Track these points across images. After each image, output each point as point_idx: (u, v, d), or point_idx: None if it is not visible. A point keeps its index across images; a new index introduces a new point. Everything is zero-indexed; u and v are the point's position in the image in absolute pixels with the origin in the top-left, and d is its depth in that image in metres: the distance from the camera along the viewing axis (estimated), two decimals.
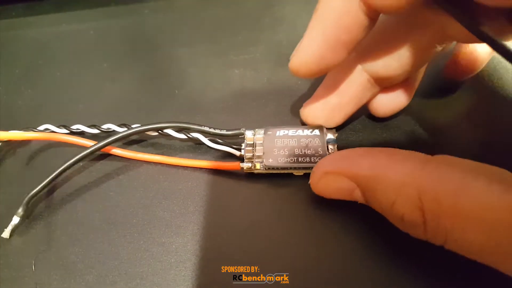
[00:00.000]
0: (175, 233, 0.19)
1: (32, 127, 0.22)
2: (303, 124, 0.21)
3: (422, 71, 0.21)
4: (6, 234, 0.19)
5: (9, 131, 0.22)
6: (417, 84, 0.21)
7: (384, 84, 0.20)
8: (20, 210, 0.19)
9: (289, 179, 0.20)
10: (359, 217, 0.18)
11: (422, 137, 0.21)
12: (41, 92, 0.27)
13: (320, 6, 0.16)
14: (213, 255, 0.18)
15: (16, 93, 0.27)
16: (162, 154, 0.22)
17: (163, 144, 0.23)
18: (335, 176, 0.16)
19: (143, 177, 0.21)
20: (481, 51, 0.21)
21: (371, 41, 0.18)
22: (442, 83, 0.23)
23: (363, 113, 0.22)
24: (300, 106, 0.21)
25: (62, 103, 0.26)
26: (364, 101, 0.20)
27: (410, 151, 0.15)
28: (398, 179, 0.14)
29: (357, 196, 0.16)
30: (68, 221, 0.20)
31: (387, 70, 0.18)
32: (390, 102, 0.21)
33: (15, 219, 0.19)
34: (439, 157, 0.14)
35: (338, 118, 0.20)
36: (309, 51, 0.17)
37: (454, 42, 0.20)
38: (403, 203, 0.14)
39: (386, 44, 0.18)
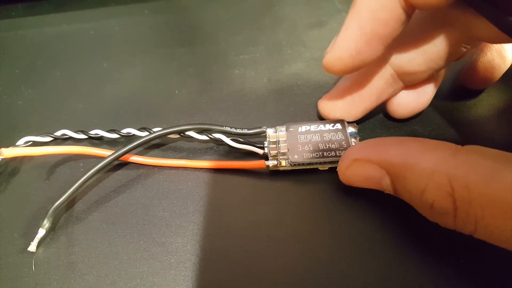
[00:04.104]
0: (175, 233, 0.19)
1: (49, 133, 0.22)
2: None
3: (442, 74, 0.21)
4: (32, 247, 0.18)
5: (28, 147, 0.22)
6: (437, 86, 0.21)
7: (407, 81, 0.20)
8: (45, 222, 0.19)
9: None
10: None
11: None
12: (41, 92, 0.27)
13: (357, 1, 0.16)
14: (213, 255, 0.18)
15: (16, 93, 0.27)
16: (183, 158, 0.22)
17: (174, 148, 0.23)
18: (364, 164, 0.16)
19: (143, 177, 0.21)
20: (500, 61, 0.21)
21: (399, 35, 0.18)
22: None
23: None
24: (300, 106, 0.21)
25: (62, 103, 0.26)
26: (385, 97, 0.20)
27: (440, 141, 0.15)
28: (429, 167, 0.14)
29: (385, 184, 0.16)
30: (68, 221, 0.20)
31: (412, 65, 0.19)
32: (410, 102, 0.21)
33: (41, 232, 0.19)
34: (470, 147, 0.14)
35: (356, 112, 0.20)
36: (345, 46, 0.17)
37: (469, 52, 0.20)
38: (434, 190, 0.14)
39: (413, 39, 0.18)
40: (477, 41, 0.18)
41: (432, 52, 0.18)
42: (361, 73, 0.20)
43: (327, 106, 0.21)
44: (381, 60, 0.19)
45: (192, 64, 0.27)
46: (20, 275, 0.18)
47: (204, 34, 0.29)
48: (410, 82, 0.20)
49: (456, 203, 0.13)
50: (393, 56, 0.19)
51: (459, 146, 0.14)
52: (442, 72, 0.21)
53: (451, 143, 0.14)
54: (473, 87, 0.23)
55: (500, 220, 0.12)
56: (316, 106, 0.23)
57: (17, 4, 0.33)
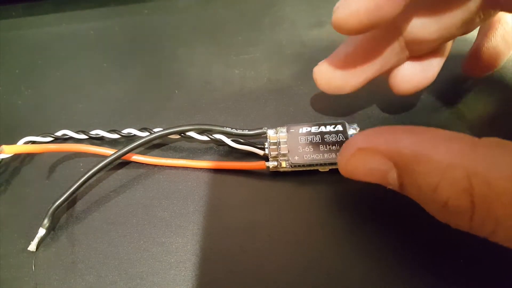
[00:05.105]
0: (175, 233, 0.19)
1: (50, 133, 0.22)
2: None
3: (448, 48, 0.19)
4: (32, 247, 0.19)
5: (29, 145, 0.22)
6: (443, 60, 0.20)
7: (414, 50, 0.18)
8: (46, 222, 0.19)
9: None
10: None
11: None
12: (41, 92, 0.27)
13: None
14: (213, 255, 0.18)
15: (16, 93, 0.27)
16: (183, 158, 0.22)
17: (176, 147, 0.23)
18: (370, 154, 0.14)
19: (143, 177, 0.21)
20: (504, 46, 0.20)
21: None
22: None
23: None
24: (300, 106, 0.21)
25: (62, 103, 0.26)
26: (388, 66, 0.19)
27: (455, 132, 0.13)
28: (444, 160, 0.12)
29: (391, 179, 0.14)
30: (68, 221, 0.20)
31: (424, 32, 0.17)
32: (414, 76, 0.19)
33: (41, 231, 0.19)
34: (488, 139, 0.12)
35: (356, 81, 0.19)
36: None
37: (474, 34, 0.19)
38: (449, 186, 0.12)
39: (430, 3, 0.16)
40: (496, 10, 0.17)
41: (447, 18, 0.16)
42: (365, 37, 0.18)
43: (324, 74, 0.19)
44: (390, 23, 0.16)
45: (192, 64, 0.27)
46: (20, 275, 0.18)
47: (204, 34, 0.29)
48: (417, 52, 0.18)
49: (474, 201, 0.12)
50: (404, 21, 0.17)
51: (476, 138, 0.13)
52: (449, 46, 0.19)
53: (468, 135, 0.13)
54: (474, 74, 0.22)
55: None
56: (316, 106, 0.23)
57: (17, 4, 0.33)
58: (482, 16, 0.17)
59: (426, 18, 0.17)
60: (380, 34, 0.18)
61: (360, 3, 0.14)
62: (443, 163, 0.12)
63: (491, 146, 0.12)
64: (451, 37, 0.18)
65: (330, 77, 0.19)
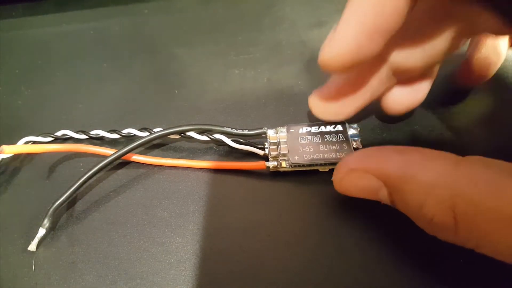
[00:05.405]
0: (175, 233, 0.19)
1: (50, 133, 0.22)
2: (313, 119, 0.21)
3: (436, 69, 0.20)
4: (32, 247, 0.19)
5: (29, 145, 0.22)
6: (432, 81, 0.20)
7: (402, 77, 0.19)
8: (46, 222, 0.19)
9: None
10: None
11: (429, 142, 0.21)
12: (41, 92, 0.27)
13: None
14: (213, 255, 0.18)
15: (16, 93, 0.27)
16: (183, 158, 0.22)
17: (176, 147, 0.23)
18: (361, 174, 0.15)
19: (143, 177, 0.21)
20: (495, 57, 0.21)
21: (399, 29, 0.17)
22: (451, 88, 0.23)
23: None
24: (300, 106, 0.21)
25: (62, 103, 0.26)
26: (377, 94, 0.20)
27: (440, 151, 0.14)
28: (429, 180, 0.13)
29: (383, 196, 0.15)
30: (68, 221, 0.20)
31: (409, 61, 0.18)
32: (404, 99, 0.20)
33: (41, 231, 0.19)
34: (472, 158, 0.13)
35: (349, 111, 0.20)
36: (344, 41, 0.15)
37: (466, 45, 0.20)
38: (434, 205, 0.13)
39: (411, 33, 0.17)
40: (480, 34, 0.18)
41: (431, 46, 0.17)
42: (354, 70, 0.18)
43: (318, 106, 0.20)
44: (376, 57, 0.17)
45: (192, 64, 0.27)
46: (20, 275, 0.18)
47: (204, 34, 0.29)
48: (405, 78, 0.19)
49: (457, 218, 0.12)
50: (388, 53, 0.18)
51: (460, 157, 0.13)
52: (437, 68, 0.20)
53: (452, 154, 0.14)
54: (467, 84, 0.23)
55: (507, 235, 0.12)
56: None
57: (17, 4, 0.33)
58: (465, 40, 0.17)
59: (409, 49, 0.17)
60: (367, 66, 0.19)
61: (343, 45, 0.15)
62: (428, 183, 0.13)
63: (473, 165, 0.13)
64: (437, 62, 0.19)
65: (324, 108, 0.20)
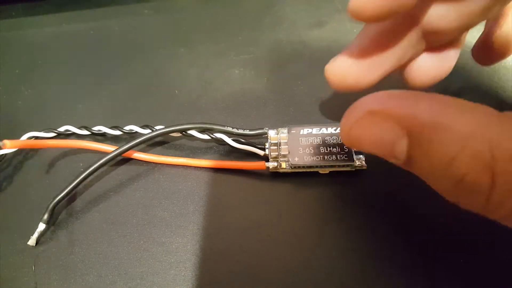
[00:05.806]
0: (175, 233, 0.19)
1: (52, 128, 0.23)
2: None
3: (464, 39, 0.19)
4: (32, 241, 0.19)
5: (32, 140, 0.22)
6: (459, 51, 0.19)
7: (432, 41, 0.18)
8: (46, 217, 0.19)
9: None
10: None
11: None
12: (41, 92, 0.27)
13: None
14: (213, 255, 0.18)
15: (16, 93, 0.27)
16: (184, 156, 0.22)
17: (174, 145, 0.23)
18: (381, 119, 0.12)
19: (143, 176, 0.21)
20: None
21: None
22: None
23: None
24: (300, 106, 0.21)
25: (62, 104, 0.26)
26: (405, 59, 0.18)
27: (479, 103, 0.12)
28: (466, 130, 0.11)
29: (399, 151, 0.12)
30: (68, 220, 0.20)
31: (444, 21, 0.16)
32: (431, 68, 0.18)
33: (41, 226, 0.19)
34: None
35: (373, 75, 0.17)
36: None
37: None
38: (468, 159, 0.11)
39: None
40: None
41: (467, 6, 0.15)
42: (382, 29, 0.17)
43: (338, 69, 0.17)
44: (408, 12, 0.15)
45: (192, 64, 0.27)
46: (20, 275, 0.18)
47: (204, 34, 0.29)
48: (434, 42, 0.18)
49: (494, 179, 0.10)
50: (422, 10, 0.16)
51: (500, 112, 0.11)
52: (465, 36, 0.19)
53: (491, 108, 0.11)
54: (486, 62, 0.22)
55: None
56: (316, 106, 0.23)
57: (17, 4, 0.33)
58: (502, 2, 0.16)
59: (445, 7, 0.16)
60: (397, 24, 0.17)
61: None
62: (465, 133, 0.11)
63: None
64: (470, 26, 0.17)
65: (345, 72, 0.17)
